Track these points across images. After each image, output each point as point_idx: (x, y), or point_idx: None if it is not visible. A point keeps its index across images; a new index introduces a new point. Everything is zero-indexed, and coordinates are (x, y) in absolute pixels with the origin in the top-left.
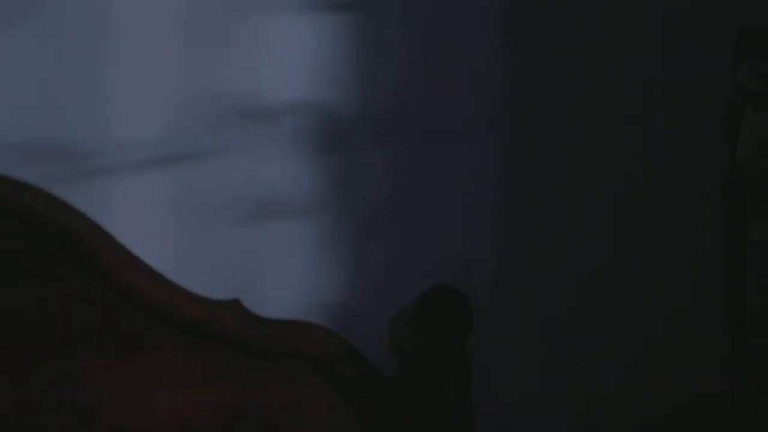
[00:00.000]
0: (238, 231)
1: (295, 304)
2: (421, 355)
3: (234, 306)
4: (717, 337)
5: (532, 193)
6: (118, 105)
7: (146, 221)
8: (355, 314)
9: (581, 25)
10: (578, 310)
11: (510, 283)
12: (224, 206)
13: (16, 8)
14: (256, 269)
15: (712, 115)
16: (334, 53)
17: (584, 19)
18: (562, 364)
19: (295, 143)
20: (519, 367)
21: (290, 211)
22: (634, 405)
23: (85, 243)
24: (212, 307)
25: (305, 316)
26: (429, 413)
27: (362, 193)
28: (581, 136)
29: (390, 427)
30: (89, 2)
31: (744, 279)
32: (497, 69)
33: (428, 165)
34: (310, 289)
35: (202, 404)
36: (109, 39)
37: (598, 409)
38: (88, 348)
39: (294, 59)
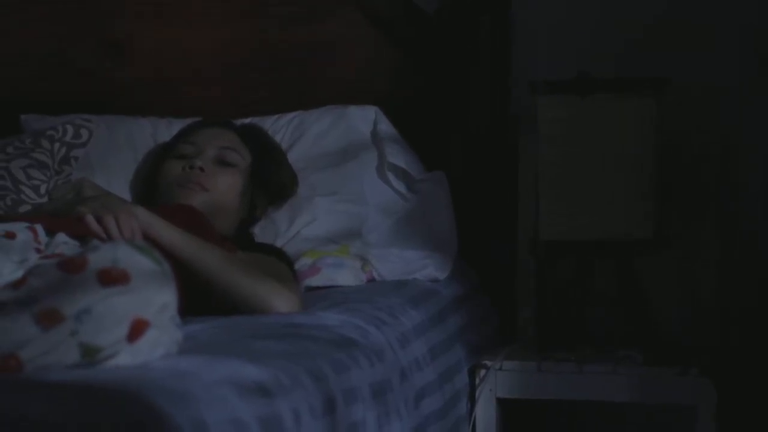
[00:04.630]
0: None
1: None
2: None
3: None
4: None
5: None
6: None
7: None
8: None
9: None
10: None
11: None
12: None
13: None
14: None
15: None
16: None
17: None
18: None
19: None
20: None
21: None
22: (670, 34)
23: None
24: None
25: None
26: (466, 48)
27: None
28: None
29: (427, 63)
30: None
31: None
32: None
33: None
34: None
35: (231, 39)
36: None
37: (642, 41)
38: None
39: None
